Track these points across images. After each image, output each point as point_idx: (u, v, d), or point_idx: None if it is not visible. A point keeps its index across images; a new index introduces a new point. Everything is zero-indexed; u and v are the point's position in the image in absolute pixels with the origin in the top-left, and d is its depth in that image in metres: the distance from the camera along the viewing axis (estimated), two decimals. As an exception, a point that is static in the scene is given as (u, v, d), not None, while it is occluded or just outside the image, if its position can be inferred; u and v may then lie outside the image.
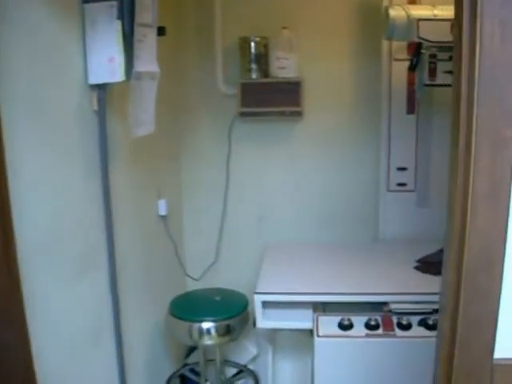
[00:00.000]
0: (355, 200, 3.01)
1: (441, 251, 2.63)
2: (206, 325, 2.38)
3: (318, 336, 2.19)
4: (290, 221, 3.08)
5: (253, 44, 2.78)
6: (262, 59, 2.81)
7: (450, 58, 2.21)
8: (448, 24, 2.09)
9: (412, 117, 2.71)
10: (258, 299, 2.26)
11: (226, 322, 2.39)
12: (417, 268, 2.49)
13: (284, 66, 2.78)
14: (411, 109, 2.69)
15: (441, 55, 2.21)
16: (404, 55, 2.62)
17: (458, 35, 1.02)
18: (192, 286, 3.02)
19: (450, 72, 2.22)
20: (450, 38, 2.20)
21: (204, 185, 3.07)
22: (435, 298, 2.30)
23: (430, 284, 2.37)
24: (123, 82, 1.78)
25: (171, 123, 2.89)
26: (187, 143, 3.03)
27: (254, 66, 2.80)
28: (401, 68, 2.63)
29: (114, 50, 1.70)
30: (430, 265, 2.48)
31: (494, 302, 0.98)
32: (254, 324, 2.37)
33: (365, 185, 2.97)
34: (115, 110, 2.03)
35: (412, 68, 2.19)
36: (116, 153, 2.10)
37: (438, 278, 2.43)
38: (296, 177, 3.04)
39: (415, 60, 2.17)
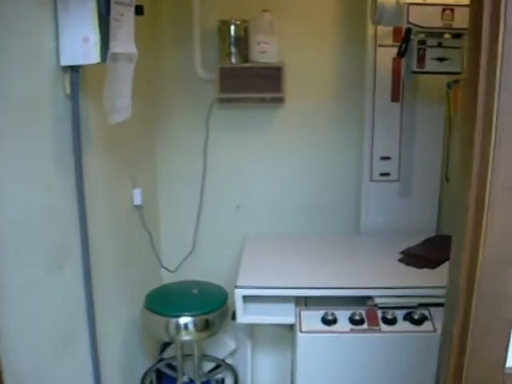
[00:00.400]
0: (337, 190, 2.94)
1: (424, 243, 2.63)
2: (183, 320, 2.27)
3: (301, 332, 2.12)
4: (270, 211, 3.00)
5: (232, 27, 2.66)
6: (242, 43, 2.70)
7: (439, 45, 2.15)
8: (439, 9, 2.02)
9: (396, 105, 2.63)
10: (238, 293, 2.17)
11: (204, 317, 2.30)
12: (401, 260, 2.43)
13: (265, 51, 2.68)
14: (395, 96, 2.62)
15: (430, 41, 2.14)
16: (389, 41, 2.54)
17: (475, 20, 0.92)
18: (168, 278, 2.91)
19: (439, 59, 2.16)
20: (440, 24, 2.16)
21: (180, 173, 2.96)
22: (420, 291, 2.27)
23: (415, 277, 2.32)
24: (98, 63, 1.65)
25: (146, 109, 2.76)
26: (163, 130, 2.91)
27: (233, 50, 2.69)
28: (386, 54, 2.55)
29: (89, 30, 1.57)
30: (413, 257, 2.43)
31: (509, 308, 0.90)
32: (233, 317, 2.28)
33: (347, 174, 2.90)
34: (89, 94, 1.91)
35: (401, 54, 2.11)
36: (90, 140, 1.98)
37: (423, 271, 2.41)
38: (276, 165, 2.95)
39: (404, 46, 2.09)
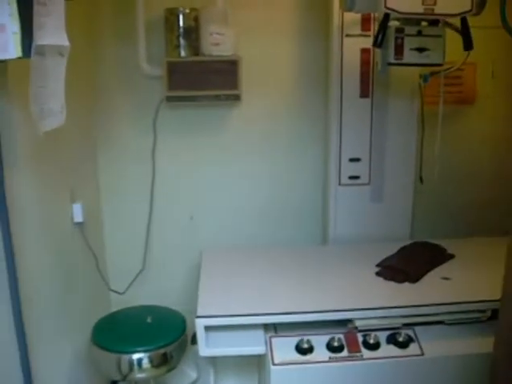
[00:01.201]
0: (302, 196, 2.70)
1: (400, 252, 2.41)
2: (137, 356, 1.98)
3: (274, 364, 1.85)
4: (227, 221, 2.72)
5: (181, 16, 2.36)
6: (193, 34, 2.40)
7: (419, 33, 1.91)
8: (420, -8, 1.78)
9: (366, 101, 2.39)
10: (200, 324, 1.88)
11: (161, 351, 2.01)
12: (378, 274, 2.20)
13: (218, 43, 2.38)
14: (365, 92, 2.37)
15: (408, 29, 1.90)
16: (357, 30, 2.29)
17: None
18: (117, 301, 2.58)
19: (418, 49, 1.92)
20: (421, 10, 1.90)
21: (126, 183, 2.63)
22: (405, 311, 2.04)
23: (397, 294, 2.09)
24: (20, 58, 1.32)
25: (84, 111, 2.42)
26: (105, 135, 2.57)
27: (182, 42, 2.38)
28: (354, 45, 2.31)
29: (4, 16, 1.24)
30: (392, 270, 2.19)
31: None
32: (193, 341, 2.00)
33: (313, 178, 2.65)
34: (11, 96, 1.59)
35: (377, 44, 1.86)
36: (14, 150, 1.66)
37: (404, 286, 2.18)
38: (233, 170, 2.67)
39: (381, 35, 1.84)
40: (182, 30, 2.37)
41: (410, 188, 2.52)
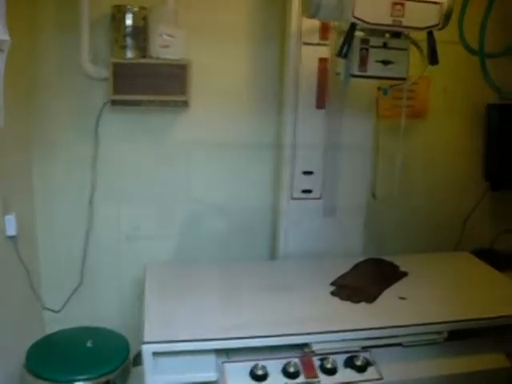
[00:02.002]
0: (251, 209, 2.58)
1: (354, 270, 2.34)
2: (77, 385, 1.80)
3: (228, 392, 1.73)
4: (171, 235, 2.57)
5: (129, 15, 2.20)
6: (141, 35, 2.24)
7: (384, 45, 1.84)
8: (389, 3, 1.71)
9: (321, 112, 2.31)
10: (147, 351, 1.73)
11: (103, 379, 1.83)
12: (333, 294, 2.11)
13: (167, 45, 2.24)
14: (321, 103, 2.29)
15: (374, 41, 1.82)
16: (316, 39, 2.21)
17: None
18: (53, 321, 2.37)
19: (383, 62, 1.85)
20: (389, 21, 1.83)
21: (63, 192, 2.42)
22: (363, 334, 1.97)
23: (354, 316, 2.01)
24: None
25: (20, 113, 2.21)
26: (41, 139, 2.36)
27: (129, 41, 2.22)
28: (311, 54, 2.22)
29: None
30: (347, 290, 2.12)
31: None
32: (136, 362, 1.86)
33: (263, 192, 2.54)
34: None
35: (343, 55, 1.77)
36: None
37: (360, 306, 2.11)
38: (179, 181, 2.52)
39: (347, 45, 1.75)
40: (129, 29, 2.21)
41: (362, 203, 2.46)
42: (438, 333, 1.95)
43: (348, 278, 2.21)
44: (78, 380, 1.80)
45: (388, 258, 2.37)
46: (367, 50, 1.83)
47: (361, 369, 1.84)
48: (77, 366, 1.86)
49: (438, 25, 1.77)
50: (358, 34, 1.87)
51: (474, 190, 2.79)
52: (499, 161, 2.77)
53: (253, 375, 1.78)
